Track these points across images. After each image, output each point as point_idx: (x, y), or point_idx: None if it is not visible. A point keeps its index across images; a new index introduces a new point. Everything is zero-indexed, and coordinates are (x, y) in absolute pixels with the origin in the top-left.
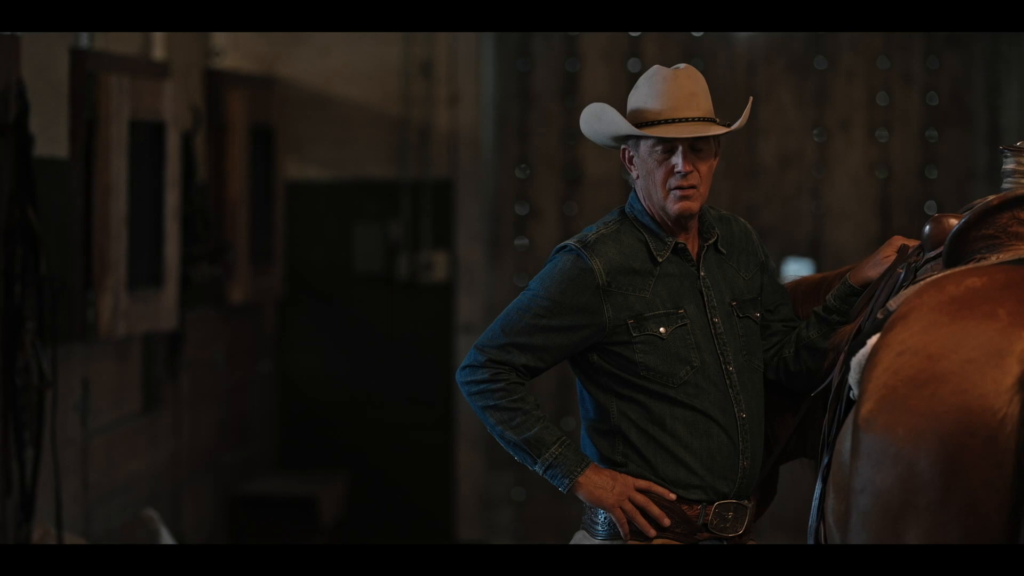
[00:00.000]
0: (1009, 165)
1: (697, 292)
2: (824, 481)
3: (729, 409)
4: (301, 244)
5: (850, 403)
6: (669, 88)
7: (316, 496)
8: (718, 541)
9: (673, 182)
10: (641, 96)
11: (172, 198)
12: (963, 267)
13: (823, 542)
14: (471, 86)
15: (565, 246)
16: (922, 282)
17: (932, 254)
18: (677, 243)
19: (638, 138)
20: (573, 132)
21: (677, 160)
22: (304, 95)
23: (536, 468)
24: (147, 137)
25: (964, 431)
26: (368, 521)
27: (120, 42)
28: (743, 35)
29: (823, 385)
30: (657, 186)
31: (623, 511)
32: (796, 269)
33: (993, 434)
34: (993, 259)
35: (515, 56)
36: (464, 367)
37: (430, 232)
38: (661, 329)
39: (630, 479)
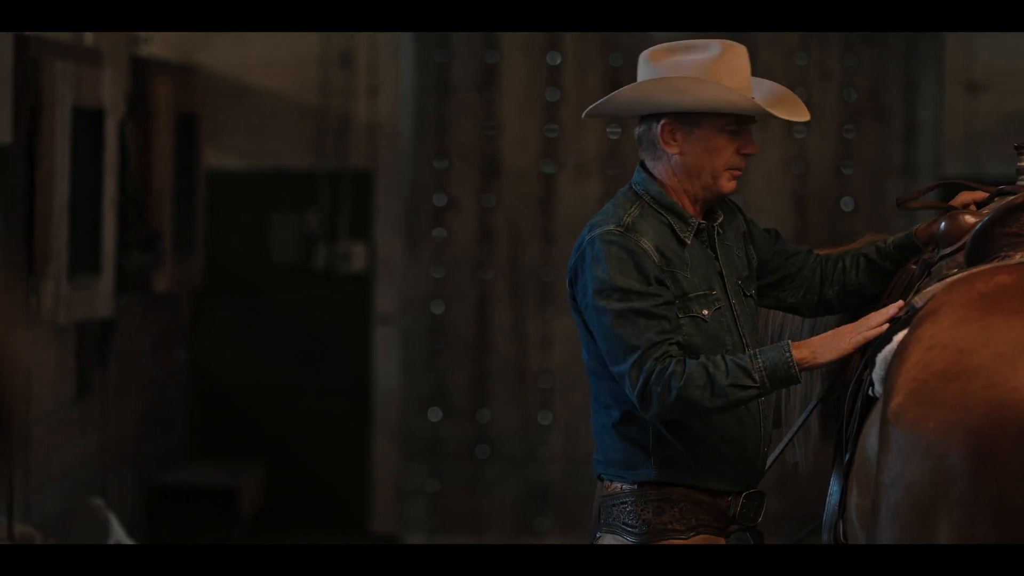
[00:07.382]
0: (1023, 163)
1: (717, 274)
2: (846, 477)
3: None
4: (220, 233)
5: (868, 400)
6: (741, 66)
7: (236, 487)
8: (746, 533)
9: (735, 162)
10: (705, 70)
11: (111, 186)
12: (991, 264)
13: (842, 539)
14: (391, 76)
15: (604, 234)
16: (950, 279)
17: (948, 251)
18: (700, 224)
19: (709, 115)
20: (492, 124)
21: (748, 140)
22: (223, 84)
23: (762, 390)
24: (86, 124)
25: (996, 424)
26: (286, 512)
27: None
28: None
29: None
30: (717, 165)
31: (865, 337)
32: None
33: None
34: (1017, 257)
35: (435, 47)
36: (638, 393)
37: (348, 223)
38: (704, 311)
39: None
